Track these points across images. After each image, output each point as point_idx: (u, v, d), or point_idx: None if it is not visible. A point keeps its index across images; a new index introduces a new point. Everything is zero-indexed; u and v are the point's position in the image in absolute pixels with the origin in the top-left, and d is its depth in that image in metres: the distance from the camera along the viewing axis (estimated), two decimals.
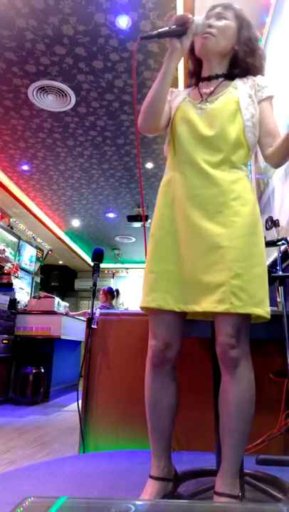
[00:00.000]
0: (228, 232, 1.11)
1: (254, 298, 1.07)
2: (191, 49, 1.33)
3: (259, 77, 1.29)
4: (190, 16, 1.15)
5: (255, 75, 1.30)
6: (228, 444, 1.08)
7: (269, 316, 1.12)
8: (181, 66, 3.32)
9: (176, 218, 1.21)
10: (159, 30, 1.13)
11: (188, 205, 1.17)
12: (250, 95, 1.24)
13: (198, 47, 1.28)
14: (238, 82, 1.27)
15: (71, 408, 3.82)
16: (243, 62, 1.28)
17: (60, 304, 4.81)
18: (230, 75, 1.30)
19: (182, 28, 1.14)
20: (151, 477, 1.15)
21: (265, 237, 1.75)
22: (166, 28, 1.13)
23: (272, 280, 1.80)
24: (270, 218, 2.09)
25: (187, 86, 1.42)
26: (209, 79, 1.30)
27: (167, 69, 1.18)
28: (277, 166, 1.26)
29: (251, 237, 1.13)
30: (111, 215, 6.71)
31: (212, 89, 1.27)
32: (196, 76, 1.38)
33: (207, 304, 1.08)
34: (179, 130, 1.25)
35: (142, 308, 1.22)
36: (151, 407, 1.19)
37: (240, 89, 1.24)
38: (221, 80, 1.28)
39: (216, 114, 1.21)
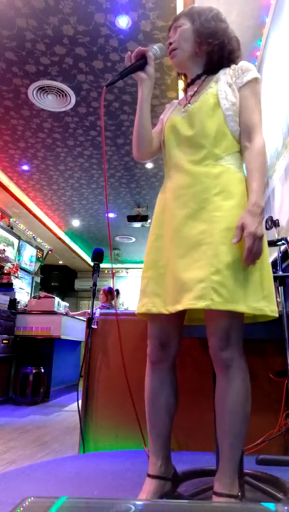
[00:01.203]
0: (210, 228, 1.09)
1: (236, 294, 1.03)
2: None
3: (241, 63, 1.25)
4: (144, 48, 1.24)
5: (232, 54, 1.27)
6: (225, 445, 1.08)
7: (262, 312, 1.06)
8: None
9: (165, 223, 1.22)
10: (121, 72, 1.21)
11: (174, 206, 1.18)
12: (229, 84, 1.21)
13: (174, 66, 1.34)
14: (220, 74, 1.25)
15: (71, 408, 3.81)
16: (213, 46, 1.25)
17: (60, 304, 4.81)
18: (211, 70, 1.28)
19: (142, 60, 1.23)
20: (148, 476, 1.16)
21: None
22: (127, 67, 1.22)
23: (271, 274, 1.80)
24: (270, 218, 2.09)
25: None
26: (193, 82, 1.31)
27: (142, 99, 1.25)
28: None
29: (233, 231, 1.07)
30: (111, 215, 6.71)
31: (195, 89, 1.28)
32: (187, 85, 1.39)
33: (186, 301, 1.04)
34: (167, 138, 1.28)
35: (137, 314, 1.23)
36: (150, 404, 1.21)
37: (220, 80, 1.23)
38: (203, 78, 1.28)
39: (195, 112, 1.21)
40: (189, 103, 1.26)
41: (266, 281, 1.11)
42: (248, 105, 1.19)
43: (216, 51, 1.25)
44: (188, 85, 1.34)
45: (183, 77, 1.40)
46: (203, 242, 1.08)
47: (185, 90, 1.37)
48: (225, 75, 1.23)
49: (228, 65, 1.27)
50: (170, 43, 1.29)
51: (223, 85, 1.21)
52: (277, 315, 1.10)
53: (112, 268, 8.86)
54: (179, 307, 1.08)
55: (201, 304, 1.02)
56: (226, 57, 1.26)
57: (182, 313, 1.21)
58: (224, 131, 1.18)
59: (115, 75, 1.21)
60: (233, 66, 1.25)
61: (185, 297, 1.06)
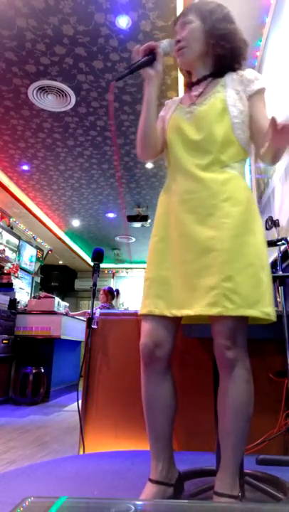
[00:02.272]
0: (220, 235, 1.10)
1: (248, 299, 1.05)
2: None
3: (248, 70, 1.25)
4: (154, 42, 1.20)
5: (240, 57, 1.26)
6: (227, 445, 1.07)
7: (270, 317, 1.09)
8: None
9: (170, 225, 1.22)
10: (130, 67, 1.18)
11: (181, 210, 1.18)
12: (237, 91, 1.20)
13: (179, 63, 1.31)
14: (226, 79, 1.23)
15: (71, 408, 3.81)
16: (225, 50, 1.23)
17: (60, 304, 4.81)
18: (218, 73, 1.26)
19: (151, 56, 1.19)
20: (149, 480, 1.14)
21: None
22: (136, 62, 1.19)
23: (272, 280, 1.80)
24: (270, 218, 2.09)
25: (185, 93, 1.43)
26: (198, 82, 1.29)
27: (148, 96, 1.23)
28: (272, 163, 1.21)
29: (243, 237, 1.10)
30: (111, 215, 6.71)
31: (201, 90, 1.26)
32: (190, 83, 1.37)
33: (200, 308, 1.07)
34: (171, 139, 1.27)
35: (140, 315, 1.24)
36: (147, 407, 1.19)
37: (228, 86, 1.22)
38: (209, 80, 1.26)
39: (203, 116, 1.20)
40: (194, 104, 1.24)
41: (270, 286, 1.14)
42: (262, 112, 1.20)
43: (227, 55, 1.23)
44: (192, 84, 1.32)
45: (186, 73, 1.37)
46: (213, 248, 1.09)
47: (189, 88, 1.35)
48: (232, 81, 1.22)
49: (235, 68, 1.26)
50: (178, 41, 1.25)
51: (231, 92, 1.20)
52: (274, 320, 1.13)
53: (114, 265, 8.85)
54: (191, 312, 1.09)
55: (213, 311, 1.04)
56: (235, 60, 1.26)
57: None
58: (231, 139, 1.18)
59: (124, 69, 1.19)
60: (240, 73, 1.24)
61: (197, 303, 1.08)
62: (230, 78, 1.23)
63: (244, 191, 1.17)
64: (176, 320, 1.20)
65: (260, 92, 1.22)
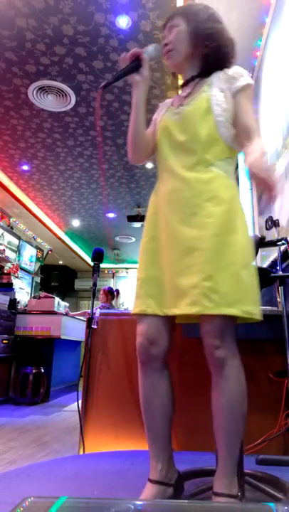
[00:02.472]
0: (203, 234, 1.11)
1: (227, 298, 1.05)
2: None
3: (234, 68, 1.24)
4: (138, 49, 1.22)
5: (227, 55, 1.26)
6: (222, 444, 1.07)
7: (252, 316, 1.08)
8: None
9: (159, 225, 1.23)
10: (115, 74, 1.21)
11: (167, 210, 1.20)
12: (222, 89, 1.20)
13: (169, 66, 1.34)
14: (213, 78, 1.24)
15: (71, 408, 3.81)
16: (209, 49, 1.23)
17: (60, 304, 4.81)
18: (205, 73, 1.26)
19: (136, 62, 1.21)
20: (149, 480, 1.14)
21: (264, 237, 1.76)
22: (122, 69, 1.21)
23: (272, 280, 1.80)
24: (270, 218, 2.09)
25: None
26: (187, 83, 1.30)
27: (136, 101, 1.25)
28: None
29: (225, 236, 1.10)
30: (111, 215, 6.71)
31: (189, 91, 1.27)
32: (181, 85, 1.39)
33: (182, 307, 1.09)
34: (159, 140, 1.28)
35: (132, 315, 1.25)
36: (145, 407, 1.20)
37: (213, 85, 1.22)
38: (197, 80, 1.27)
39: (188, 116, 1.21)
40: (182, 105, 1.25)
41: (255, 284, 1.14)
42: (245, 109, 1.19)
43: (212, 53, 1.24)
44: (182, 86, 1.34)
45: (180, 76, 1.39)
46: (196, 247, 1.10)
47: (179, 89, 1.37)
48: (218, 80, 1.22)
49: (223, 67, 1.25)
50: (166, 44, 1.28)
51: (216, 90, 1.20)
52: (260, 319, 1.12)
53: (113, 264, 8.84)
54: (177, 311, 1.11)
55: (193, 310, 1.06)
56: (222, 59, 1.25)
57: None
58: (215, 137, 1.18)
59: (111, 77, 1.20)
60: (226, 71, 1.24)
61: (181, 302, 1.09)
62: (217, 77, 1.24)
63: (228, 190, 1.17)
64: (170, 318, 1.20)
65: (245, 88, 1.21)
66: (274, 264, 2.40)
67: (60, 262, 9.44)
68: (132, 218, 6.25)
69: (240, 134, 1.20)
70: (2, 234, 5.88)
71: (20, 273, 6.48)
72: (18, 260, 6.46)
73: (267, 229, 2.12)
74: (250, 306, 1.08)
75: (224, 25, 1.27)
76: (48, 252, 8.32)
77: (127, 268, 9.72)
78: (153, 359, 1.19)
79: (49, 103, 3.83)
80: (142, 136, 1.29)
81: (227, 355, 1.08)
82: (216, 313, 1.04)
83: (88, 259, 9.10)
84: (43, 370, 4.14)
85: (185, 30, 1.24)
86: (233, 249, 1.10)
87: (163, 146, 1.27)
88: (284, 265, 2.16)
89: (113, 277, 9.87)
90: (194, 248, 1.10)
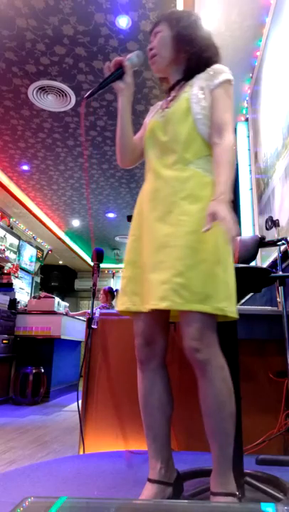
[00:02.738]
0: (176, 231, 1.11)
1: (198, 295, 1.05)
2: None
3: (215, 66, 1.26)
4: (121, 57, 1.27)
5: (210, 60, 1.27)
6: (214, 444, 1.07)
7: (224, 313, 1.06)
8: None
9: (142, 224, 1.25)
10: (100, 83, 1.26)
11: (148, 208, 1.22)
12: (202, 87, 1.22)
13: (154, 71, 1.36)
14: (195, 79, 1.26)
15: (71, 408, 3.81)
16: (190, 54, 1.27)
17: (60, 304, 4.81)
18: (188, 76, 1.29)
19: (120, 70, 1.27)
20: (148, 480, 1.14)
21: (264, 237, 1.76)
22: (106, 78, 1.27)
23: (272, 280, 1.80)
24: (270, 218, 2.09)
25: None
26: (173, 87, 1.33)
27: (121, 108, 1.31)
28: None
29: (198, 234, 1.09)
30: (111, 215, 6.71)
31: (174, 94, 1.29)
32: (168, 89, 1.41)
33: (152, 302, 1.09)
34: (145, 142, 1.32)
35: (118, 312, 1.26)
36: (143, 406, 1.21)
37: (194, 85, 1.24)
38: (182, 83, 1.30)
39: (170, 117, 1.24)
40: (168, 107, 1.28)
41: (230, 282, 1.12)
42: (220, 105, 1.20)
43: (193, 58, 1.27)
44: (169, 90, 1.36)
45: (165, 83, 1.41)
46: (169, 244, 1.12)
47: (168, 94, 1.40)
48: (199, 80, 1.24)
49: (203, 67, 1.27)
50: (150, 49, 1.31)
51: (195, 90, 1.22)
52: (236, 317, 1.10)
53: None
54: (148, 307, 1.11)
55: (162, 305, 1.06)
56: (204, 64, 1.27)
57: (165, 311, 1.21)
58: (194, 136, 1.20)
59: (94, 86, 1.25)
60: (207, 70, 1.25)
61: (151, 298, 1.10)
62: (198, 77, 1.26)
63: (205, 188, 1.17)
64: (162, 316, 1.21)
65: (223, 84, 1.21)
66: (274, 264, 2.40)
67: (60, 262, 9.45)
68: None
69: (212, 130, 1.20)
70: (4, 236, 5.89)
71: (20, 273, 6.49)
72: (18, 260, 6.46)
73: (267, 229, 2.12)
74: (223, 303, 1.07)
75: (206, 31, 1.31)
76: (48, 252, 8.32)
77: None
78: (152, 357, 1.20)
79: (49, 103, 3.83)
80: (129, 141, 1.34)
81: (208, 357, 1.07)
82: (184, 309, 1.05)
83: (88, 259, 9.10)
84: (43, 370, 4.14)
85: (168, 35, 1.28)
86: (205, 247, 1.09)
87: (148, 147, 1.30)
88: (284, 265, 2.16)
89: (113, 277, 9.87)
90: (167, 245, 1.12)
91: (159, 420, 1.19)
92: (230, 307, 1.09)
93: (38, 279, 7.76)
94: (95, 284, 2.25)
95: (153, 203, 1.21)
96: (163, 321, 1.23)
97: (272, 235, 2.16)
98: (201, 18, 1.34)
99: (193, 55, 1.27)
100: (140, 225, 1.26)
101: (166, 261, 1.10)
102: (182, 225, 1.11)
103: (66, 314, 4.68)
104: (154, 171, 1.25)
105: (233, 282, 1.13)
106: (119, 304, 1.24)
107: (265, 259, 2.89)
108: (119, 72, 1.27)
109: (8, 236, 6.08)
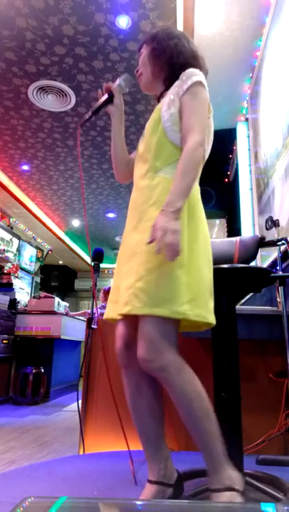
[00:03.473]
0: (143, 238, 1.12)
1: (155, 298, 1.04)
2: None
3: (187, 70, 1.25)
4: (109, 83, 1.38)
5: (183, 67, 1.27)
6: (199, 444, 1.08)
7: (184, 316, 1.04)
8: None
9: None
10: (92, 110, 1.38)
11: (127, 219, 1.27)
12: (172, 94, 1.23)
13: (142, 89, 1.43)
14: (171, 88, 1.27)
15: (71, 408, 3.82)
16: (160, 66, 1.32)
17: (60, 304, 4.81)
18: (169, 85, 1.30)
19: (109, 94, 1.37)
20: (148, 481, 1.14)
21: (264, 237, 1.76)
22: (96, 104, 1.38)
23: (272, 280, 1.80)
24: (270, 218, 2.09)
25: None
26: (159, 101, 1.35)
27: (114, 128, 1.41)
28: None
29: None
30: (111, 215, 6.71)
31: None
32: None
33: (119, 307, 1.11)
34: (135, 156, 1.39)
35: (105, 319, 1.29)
36: (132, 410, 1.19)
37: (167, 95, 1.26)
38: (164, 94, 1.31)
39: (146, 129, 1.29)
40: None
41: (194, 284, 1.09)
42: (186, 111, 1.20)
43: (165, 69, 1.31)
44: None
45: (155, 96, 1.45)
46: (137, 251, 1.14)
47: None
48: (174, 87, 1.25)
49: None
50: (137, 71, 1.39)
51: (166, 99, 1.24)
52: (205, 320, 1.08)
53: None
54: (117, 313, 1.15)
55: (124, 310, 1.07)
56: (179, 69, 1.27)
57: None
58: (164, 143, 1.22)
59: (87, 113, 1.43)
60: (181, 75, 1.25)
61: (120, 304, 1.12)
62: (174, 84, 1.26)
63: None
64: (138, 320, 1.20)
65: (189, 88, 1.21)
66: (274, 264, 2.40)
67: (60, 262, 9.45)
68: None
69: (183, 136, 1.21)
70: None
71: (20, 273, 6.49)
72: (18, 260, 6.46)
73: (267, 229, 2.12)
74: (184, 307, 1.04)
75: (182, 38, 1.34)
76: (48, 252, 8.32)
77: None
78: (133, 362, 1.15)
79: (49, 103, 3.83)
80: (122, 157, 1.42)
81: (161, 364, 1.04)
82: (142, 313, 1.05)
83: (88, 259, 9.10)
84: (43, 370, 4.14)
85: (146, 54, 1.35)
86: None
87: (134, 160, 1.37)
88: (284, 265, 2.16)
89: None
90: (135, 252, 1.14)
91: (150, 424, 1.17)
92: (194, 310, 1.06)
93: (38, 279, 7.76)
94: (95, 284, 2.25)
95: (130, 213, 1.26)
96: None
97: (272, 235, 2.16)
98: (180, 30, 1.42)
99: (166, 64, 1.31)
100: (125, 236, 1.31)
101: (133, 267, 1.12)
102: (148, 231, 1.09)
103: (66, 314, 4.69)
104: (134, 182, 1.30)
105: (199, 284, 1.10)
106: (105, 313, 1.28)
107: (265, 259, 2.89)
108: (108, 97, 1.37)
109: (8, 236, 6.08)
